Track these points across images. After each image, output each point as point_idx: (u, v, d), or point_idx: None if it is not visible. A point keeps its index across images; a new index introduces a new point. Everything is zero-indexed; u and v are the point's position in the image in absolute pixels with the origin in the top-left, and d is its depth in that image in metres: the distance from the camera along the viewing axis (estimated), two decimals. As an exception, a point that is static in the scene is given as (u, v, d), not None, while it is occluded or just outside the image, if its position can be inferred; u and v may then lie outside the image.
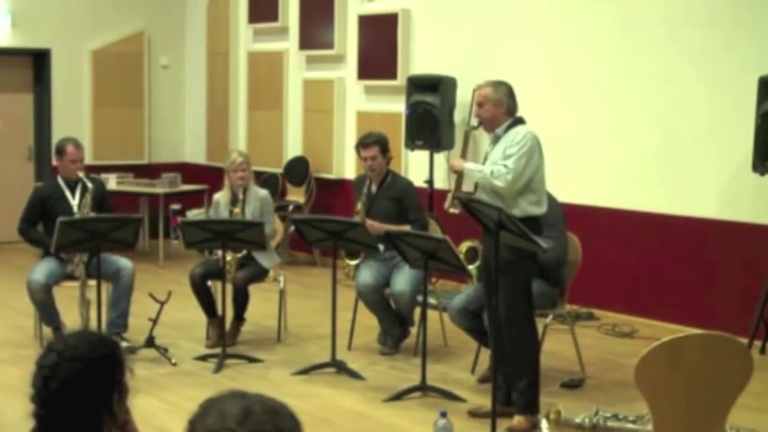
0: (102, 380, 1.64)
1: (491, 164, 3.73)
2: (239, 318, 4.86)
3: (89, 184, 4.64)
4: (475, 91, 3.85)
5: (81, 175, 4.65)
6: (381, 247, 4.57)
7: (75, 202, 4.67)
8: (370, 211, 4.67)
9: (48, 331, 4.66)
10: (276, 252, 5.04)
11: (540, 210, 3.74)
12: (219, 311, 4.80)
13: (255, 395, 1.30)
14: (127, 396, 1.69)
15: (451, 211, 3.98)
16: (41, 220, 4.71)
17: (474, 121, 3.88)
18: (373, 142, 4.69)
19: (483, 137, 5.58)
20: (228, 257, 4.70)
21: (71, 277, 4.66)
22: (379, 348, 4.71)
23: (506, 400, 3.77)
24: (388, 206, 4.69)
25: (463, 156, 4.00)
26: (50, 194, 4.74)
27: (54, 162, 4.93)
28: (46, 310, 4.63)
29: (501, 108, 3.73)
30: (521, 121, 3.77)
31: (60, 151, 4.74)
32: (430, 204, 6.01)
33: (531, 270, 3.71)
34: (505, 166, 3.64)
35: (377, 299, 4.64)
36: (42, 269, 4.61)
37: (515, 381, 3.71)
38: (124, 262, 4.64)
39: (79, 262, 4.60)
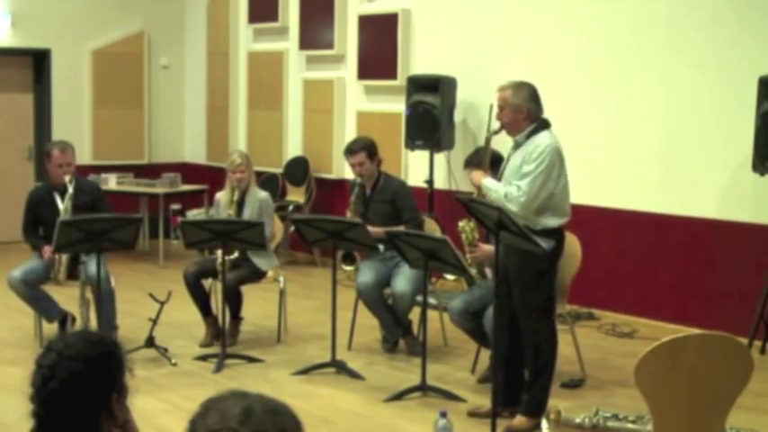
0: (101, 379, 1.64)
1: (509, 174, 3.63)
2: (236, 317, 4.84)
3: (70, 189, 4.57)
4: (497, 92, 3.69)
5: (66, 179, 4.58)
6: (381, 247, 4.56)
7: (62, 207, 4.61)
8: (366, 215, 4.65)
9: (47, 331, 4.64)
10: (275, 254, 5.02)
11: (562, 220, 3.66)
12: (214, 310, 4.80)
13: (256, 395, 1.30)
14: (126, 396, 1.69)
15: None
16: (40, 225, 4.69)
17: (495, 125, 3.73)
18: (359, 149, 4.68)
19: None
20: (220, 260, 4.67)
21: (56, 281, 4.63)
22: (409, 349, 4.63)
23: (506, 401, 3.76)
24: (383, 208, 4.68)
25: (483, 162, 3.79)
26: (41, 199, 4.71)
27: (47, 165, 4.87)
28: (36, 304, 4.61)
29: (521, 114, 3.60)
30: (544, 125, 3.64)
31: (47, 155, 4.68)
32: (430, 204, 6.01)
33: (545, 273, 3.64)
34: (519, 187, 3.54)
35: (376, 298, 4.62)
36: (23, 266, 4.61)
37: (532, 383, 3.68)
38: (94, 268, 4.46)
39: (59, 266, 4.55)
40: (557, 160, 3.61)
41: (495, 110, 3.71)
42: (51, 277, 4.60)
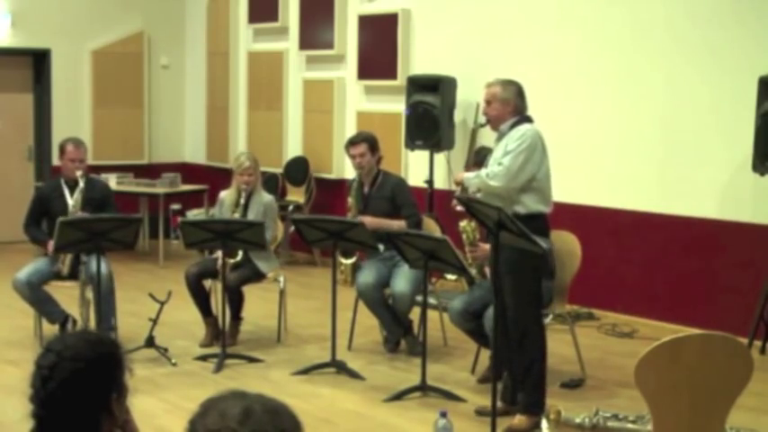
0: (100, 380, 1.63)
1: (492, 161, 3.72)
2: (236, 317, 4.82)
3: (81, 184, 4.61)
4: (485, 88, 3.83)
5: (78, 174, 4.62)
6: (381, 246, 4.55)
7: (72, 203, 4.63)
8: (365, 212, 4.64)
9: (48, 331, 4.62)
10: (275, 255, 5.01)
11: (546, 207, 3.76)
12: (214, 311, 4.78)
13: (256, 395, 1.30)
14: (126, 396, 1.68)
15: (458, 209, 3.93)
16: (44, 219, 4.70)
17: (481, 119, 3.87)
18: (361, 140, 4.68)
19: (484, 136, 5.56)
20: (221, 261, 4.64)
21: (59, 276, 4.63)
22: (409, 349, 4.64)
23: (513, 400, 3.77)
24: (382, 206, 4.67)
25: (468, 155, 3.99)
26: (50, 193, 4.74)
27: (57, 161, 4.92)
28: (39, 307, 4.61)
29: (508, 107, 3.73)
30: (527, 119, 3.76)
31: (61, 150, 4.75)
32: (430, 204, 5.98)
33: (538, 270, 3.68)
34: (501, 163, 3.65)
35: (377, 298, 4.61)
36: (28, 268, 4.62)
37: (522, 381, 3.70)
38: (102, 268, 4.44)
39: (64, 260, 4.56)
40: (539, 144, 3.71)
41: (482, 105, 3.83)
42: (55, 270, 4.60)
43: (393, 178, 4.81)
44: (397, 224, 4.53)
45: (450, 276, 4.28)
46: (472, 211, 3.63)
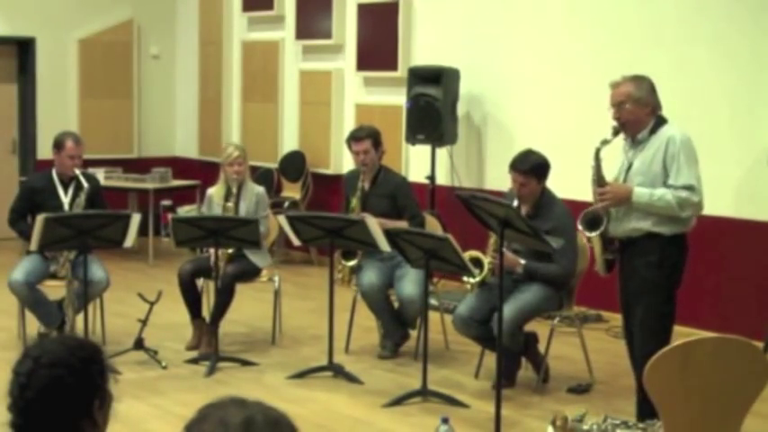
0: (81, 387, 1.58)
1: (636, 174, 3.36)
2: (215, 323, 4.55)
3: (85, 184, 4.52)
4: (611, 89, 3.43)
5: (77, 172, 4.54)
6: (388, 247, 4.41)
7: (66, 200, 4.56)
8: (363, 210, 4.55)
9: (33, 332, 4.51)
10: (269, 252, 4.93)
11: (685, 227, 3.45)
12: (204, 312, 4.70)
13: (255, 404, 1.28)
14: (110, 403, 1.64)
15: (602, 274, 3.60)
16: (30, 214, 4.58)
17: (609, 135, 3.43)
18: (365, 136, 4.59)
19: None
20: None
21: (54, 276, 4.53)
22: (378, 352, 4.61)
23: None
24: (381, 204, 4.58)
25: (600, 179, 3.47)
26: (42, 188, 4.63)
27: (49, 155, 4.81)
28: (36, 309, 4.50)
29: (647, 108, 3.36)
30: (664, 120, 3.42)
31: (59, 145, 4.62)
32: (432, 201, 5.88)
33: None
34: (686, 188, 3.29)
35: (381, 300, 4.53)
36: (23, 267, 4.50)
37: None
38: (101, 274, 4.45)
39: (65, 261, 4.46)
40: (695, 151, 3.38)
41: (610, 111, 3.44)
42: (52, 271, 4.49)
43: (395, 177, 4.74)
44: (402, 224, 4.43)
45: (471, 279, 4.07)
46: (473, 209, 3.50)
